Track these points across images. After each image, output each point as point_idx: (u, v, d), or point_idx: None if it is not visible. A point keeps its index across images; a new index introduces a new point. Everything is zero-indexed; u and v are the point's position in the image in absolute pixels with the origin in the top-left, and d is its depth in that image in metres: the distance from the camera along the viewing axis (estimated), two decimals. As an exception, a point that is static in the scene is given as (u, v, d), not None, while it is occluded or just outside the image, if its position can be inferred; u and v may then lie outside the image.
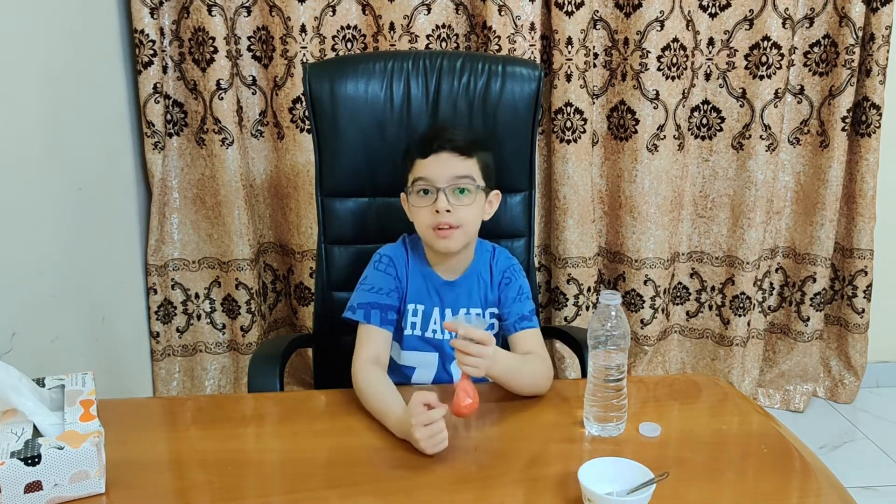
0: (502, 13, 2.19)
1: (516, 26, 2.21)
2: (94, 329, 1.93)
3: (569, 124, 2.30)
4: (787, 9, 2.27)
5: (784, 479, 1.10)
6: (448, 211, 1.29)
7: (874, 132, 2.40)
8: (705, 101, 2.42)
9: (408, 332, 1.40)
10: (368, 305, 1.36)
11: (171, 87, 2.26)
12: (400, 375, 1.43)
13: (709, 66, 2.39)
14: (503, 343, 1.41)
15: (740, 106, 2.39)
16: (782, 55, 2.31)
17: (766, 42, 2.30)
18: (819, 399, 2.69)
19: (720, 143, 2.44)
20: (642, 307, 2.49)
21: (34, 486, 0.95)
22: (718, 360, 2.59)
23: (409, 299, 1.39)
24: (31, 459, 0.95)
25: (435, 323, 1.40)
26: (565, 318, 2.46)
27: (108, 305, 2.06)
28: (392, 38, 2.23)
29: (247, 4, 2.23)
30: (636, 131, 2.34)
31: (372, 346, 1.34)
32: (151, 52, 2.16)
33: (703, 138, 2.45)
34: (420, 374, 1.43)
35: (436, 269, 1.40)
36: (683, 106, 2.36)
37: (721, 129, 2.43)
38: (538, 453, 1.14)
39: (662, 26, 2.25)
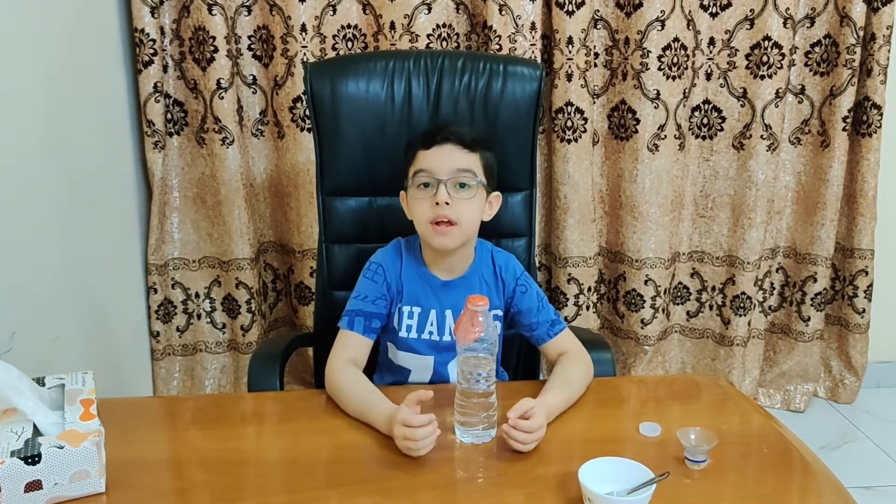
0: (503, 12, 2.19)
1: (517, 26, 2.21)
2: (94, 329, 1.93)
3: (569, 124, 2.30)
4: (787, 8, 2.27)
5: (784, 479, 1.10)
6: (447, 203, 1.27)
7: (875, 132, 2.40)
8: (706, 101, 2.42)
9: (402, 334, 1.39)
10: (353, 313, 1.35)
11: (172, 87, 2.26)
12: (396, 374, 1.42)
13: (709, 66, 2.39)
14: (509, 338, 1.40)
15: (741, 106, 2.39)
16: (783, 55, 2.30)
17: (766, 42, 2.30)
18: (819, 399, 2.69)
19: (721, 143, 2.44)
20: (643, 307, 2.49)
21: (34, 486, 0.95)
22: (719, 359, 2.59)
23: (404, 301, 1.37)
24: (32, 458, 0.95)
25: (432, 325, 1.38)
26: (566, 318, 2.46)
27: (108, 305, 2.06)
28: (392, 37, 2.22)
29: (247, 4, 2.23)
30: (637, 131, 2.34)
31: (351, 350, 1.33)
32: (152, 51, 2.16)
33: (703, 138, 2.45)
34: (416, 376, 1.42)
35: (433, 270, 1.38)
36: (684, 106, 2.36)
37: (722, 129, 2.43)
38: (538, 453, 1.14)
39: (663, 26, 2.25)
